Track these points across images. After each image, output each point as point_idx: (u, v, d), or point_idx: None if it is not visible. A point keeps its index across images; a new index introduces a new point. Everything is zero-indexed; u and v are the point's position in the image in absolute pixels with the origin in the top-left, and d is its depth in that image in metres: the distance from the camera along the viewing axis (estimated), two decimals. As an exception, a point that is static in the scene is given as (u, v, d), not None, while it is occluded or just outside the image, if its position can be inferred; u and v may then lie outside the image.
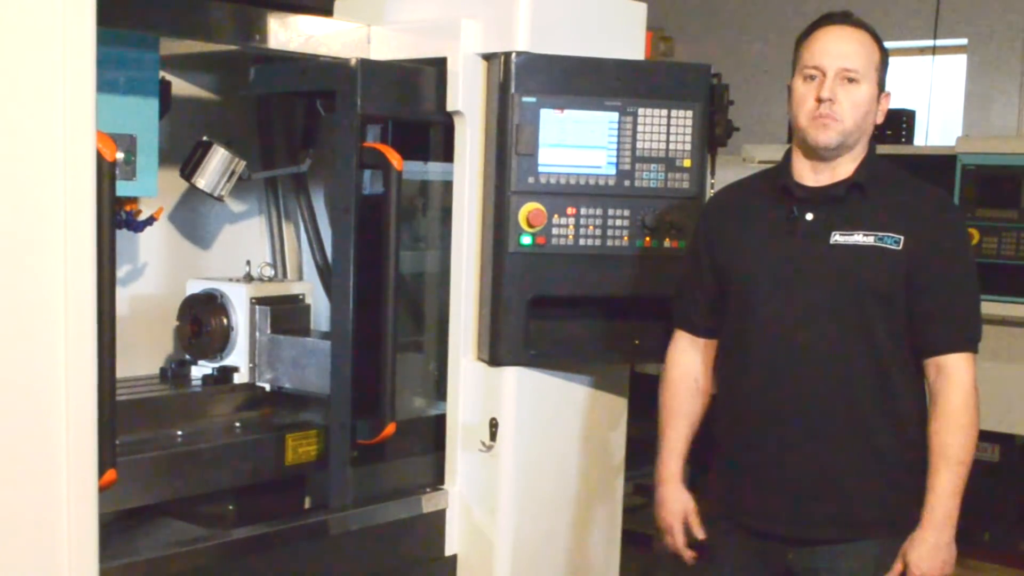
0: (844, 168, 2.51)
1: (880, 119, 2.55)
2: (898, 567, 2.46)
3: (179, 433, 2.87)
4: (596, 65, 2.96)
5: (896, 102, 2.62)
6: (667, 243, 3.03)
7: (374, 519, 2.94)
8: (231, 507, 2.92)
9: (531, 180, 2.92)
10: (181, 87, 3.27)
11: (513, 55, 2.87)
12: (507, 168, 2.90)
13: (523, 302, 2.96)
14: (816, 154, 2.50)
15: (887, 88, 2.54)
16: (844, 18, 2.51)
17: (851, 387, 2.47)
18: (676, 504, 2.72)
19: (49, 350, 2.05)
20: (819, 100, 2.44)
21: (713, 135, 3.20)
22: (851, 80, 2.44)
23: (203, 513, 2.89)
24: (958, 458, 2.42)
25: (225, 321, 3.24)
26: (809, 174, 2.53)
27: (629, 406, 3.27)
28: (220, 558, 2.63)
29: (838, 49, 2.45)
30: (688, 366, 2.74)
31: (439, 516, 3.05)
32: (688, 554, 2.72)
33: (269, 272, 3.39)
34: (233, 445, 2.88)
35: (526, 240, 2.93)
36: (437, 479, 3.11)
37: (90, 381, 2.11)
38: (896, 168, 2.61)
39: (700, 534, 2.71)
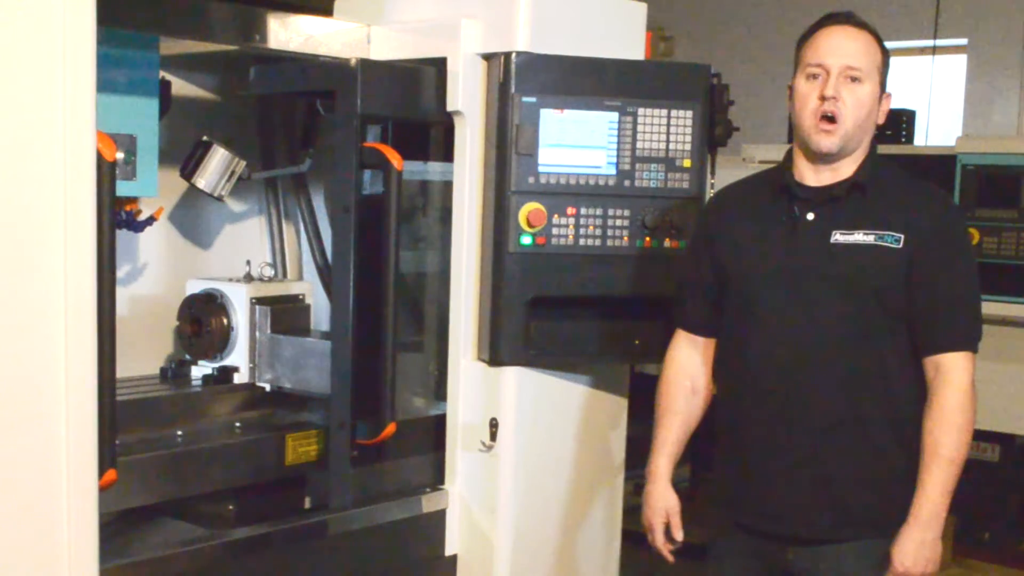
0: (845, 168, 2.51)
1: (881, 120, 2.55)
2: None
3: (179, 433, 2.87)
4: (596, 65, 2.96)
5: (896, 102, 2.62)
6: (667, 243, 3.03)
7: (374, 519, 2.93)
8: (231, 507, 2.91)
9: (531, 180, 2.92)
10: (181, 87, 3.27)
11: (513, 55, 2.87)
12: (507, 168, 2.90)
13: (523, 302, 2.96)
14: (817, 157, 2.50)
15: (888, 89, 2.55)
16: (847, 18, 2.51)
17: (852, 386, 2.47)
18: (659, 503, 2.71)
19: (49, 350, 2.05)
20: (822, 98, 2.44)
21: (713, 135, 3.20)
22: (854, 79, 2.44)
23: (203, 513, 2.89)
24: (949, 457, 2.42)
25: (225, 321, 3.24)
26: (810, 174, 2.53)
27: (629, 406, 3.27)
28: (220, 558, 2.62)
29: (842, 48, 2.46)
30: (684, 365, 2.74)
31: (439, 516, 3.05)
32: (667, 554, 2.72)
33: (269, 272, 3.39)
34: (233, 445, 2.88)
35: (526, 240, 2.93)
36: (437, 479, 3.11)
37: (90, 381, 2.11)
38: (897, 168, 2.61)
39: (679, 536, 2.70)
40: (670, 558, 2.73)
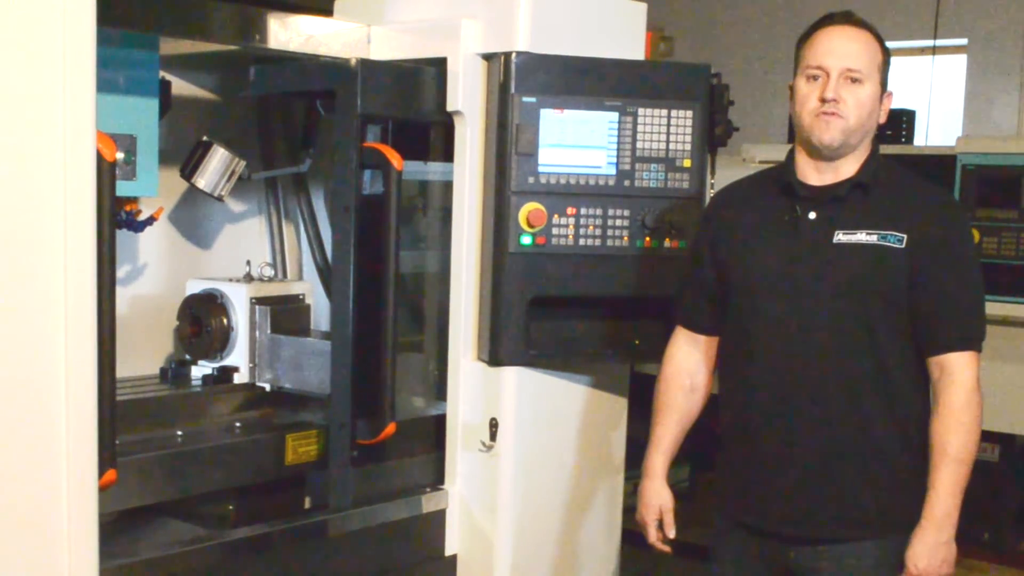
0: (847, 167, 2.51)
1: (883, 119, 2.55)
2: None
3: (179, 433, 2.87)
4: (596, 65, 2.96)
5: (896, 102, 2.62)
6: (667, 243, 3.03)
7: (374, 519, 2.94)
8: (231, 507, 2.91)
9: (531, 180, 2.92)
10: (181, 87, 3.27)
11: (513, 55, 2.87)
12: (507, 168, 2.90)
13: (523, 302, 2.96)
14: (819, 153, 2.50)
15: (889, 87, 2.54)
16: (846, 18, 2.50)
17: (854, 386, 2.47)
18: (654, 499, 2.73)
19: (49, 350, 2.05)
20: (822, 100, 2.44)
21: (713, 135, 3.20)
22: (854, 80, 2.44)
23: (203, 513, 2.89)
24: (959, 457, 2.42)
25: (225, 321, 3.24)
26: (812, 173, 2.53)
27: (629, 406, 3.27)
28: (220, 558, 2.63)
29: (841, 49, 2.45)
30: (683, 363, 2.74)
31: (439, 516, 3.05)
32: (662, 546, 2.74)
33: (269, 272, 3.39)
34: (233, 445, 2.88)
35: (526, 240, 2.93)
36: (437, 479, 3.11)
37: (90, 381, 2.11)
38: (899, 167, 2.60)
39: (671, 533, 2.72)
40: (666, 548, 2.74)
